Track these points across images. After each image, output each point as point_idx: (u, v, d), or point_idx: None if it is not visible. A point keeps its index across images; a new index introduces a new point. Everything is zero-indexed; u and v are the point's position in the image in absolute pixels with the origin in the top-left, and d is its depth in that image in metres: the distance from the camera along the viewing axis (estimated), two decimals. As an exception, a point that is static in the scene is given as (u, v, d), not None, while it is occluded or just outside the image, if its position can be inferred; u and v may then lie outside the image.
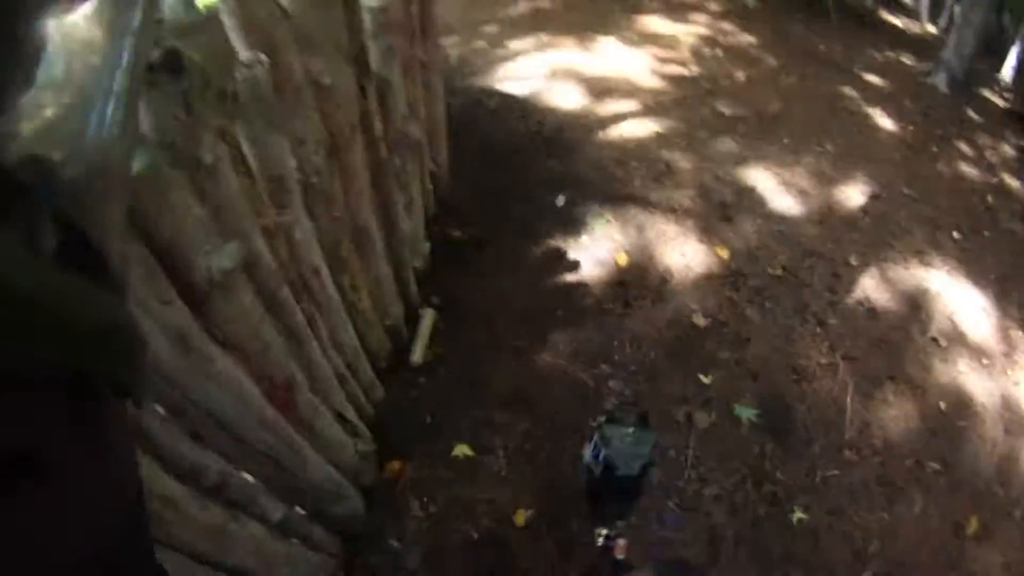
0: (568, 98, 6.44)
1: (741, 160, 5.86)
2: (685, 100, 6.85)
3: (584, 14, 9.41)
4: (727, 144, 6.25)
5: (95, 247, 0.45)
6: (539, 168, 5.16)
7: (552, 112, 6.19)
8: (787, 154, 6.15)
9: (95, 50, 0.46)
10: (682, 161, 5.79)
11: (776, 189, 5.60)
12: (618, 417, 1.88)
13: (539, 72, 6.91)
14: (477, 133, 5.59)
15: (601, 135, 5.98)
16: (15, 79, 0.39)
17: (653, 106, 6.59)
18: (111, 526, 0.48)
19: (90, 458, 0.45)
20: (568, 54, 7.38)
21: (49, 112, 0.42)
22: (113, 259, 0.46)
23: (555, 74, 6.89)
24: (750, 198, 5.40)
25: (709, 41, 8.51)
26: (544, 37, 7.76)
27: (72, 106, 0.44)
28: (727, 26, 9.21)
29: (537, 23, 8.44)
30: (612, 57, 7.53)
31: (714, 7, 10.66)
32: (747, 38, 8.89)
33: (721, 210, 5.16)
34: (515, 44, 7.53)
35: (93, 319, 0.42)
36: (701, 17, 9.62)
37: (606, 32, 8.13)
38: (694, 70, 7.60)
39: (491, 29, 8.55)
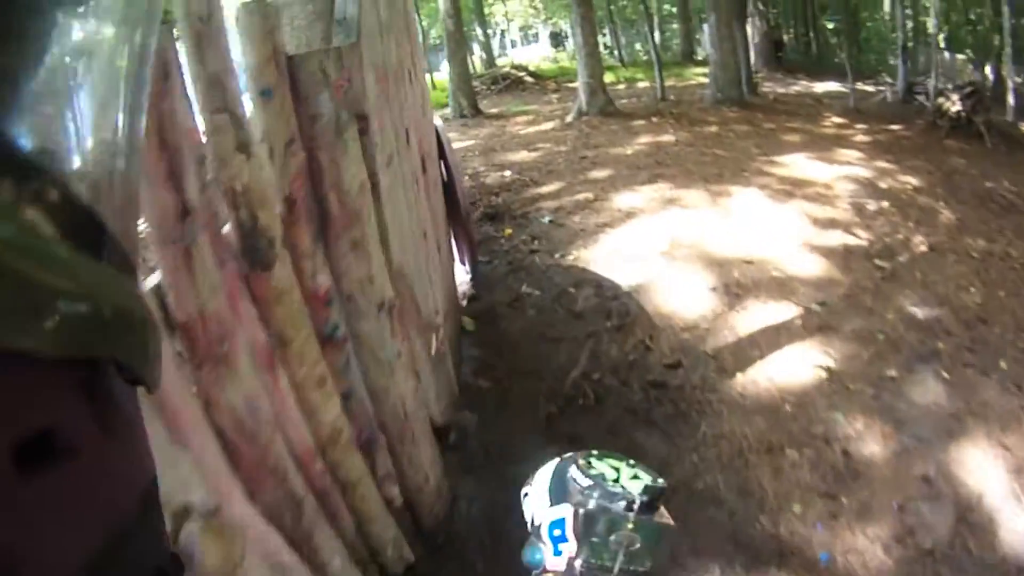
0: (691, 297, 4.89)
1: (953, 426, 3.96)
2: (857, 296, 5.09)
3: (714, 149, 8.28)
4: (929, 388, 4.16)
5: (108, 231, 0.42)
6: (633, 446, 3.57)
7: (666, 322, 4.48)
8: (1010, 396, 4.20)
9: (104, 51, 0.44)
10: (868, 441, 3.79)
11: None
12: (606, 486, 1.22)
13: (655, 247, 5.27)
14: (545, 365, 4.20)
15: (738, 380, 4.11)
16: (21, 71, 0.36)
17: (815, 312, 4.63)
18: (124, 511, 0.46)
19: (104, 442, 0.43)
20: (694, 215, 6.23)
21: (54, 107, 0.40)
22: (125, 245, 0.45)
23: (675, 251, 5.25)
24: (982, 526, 3.38)
25: (868, 187, 7.38)
26: (666, 187, 6.99)
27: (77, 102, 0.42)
28: (882, 163, 8.33)
29: (659, 164, 7.39)
30: (753, 219, 6.24)
31: (860, 137, 9.93)
32: (909, 180, 7.82)
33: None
34: (628, 197, 6.70)
35: (109, 303, 0.40)
36: (850, 152, 8.82)
37: (743, 177, 7.32)
38: (860, 236, 6.08)
39: (602, 174, 7.38)
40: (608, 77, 15.86)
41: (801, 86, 17.71)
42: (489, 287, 5.03)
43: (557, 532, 1.22)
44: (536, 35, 37.87)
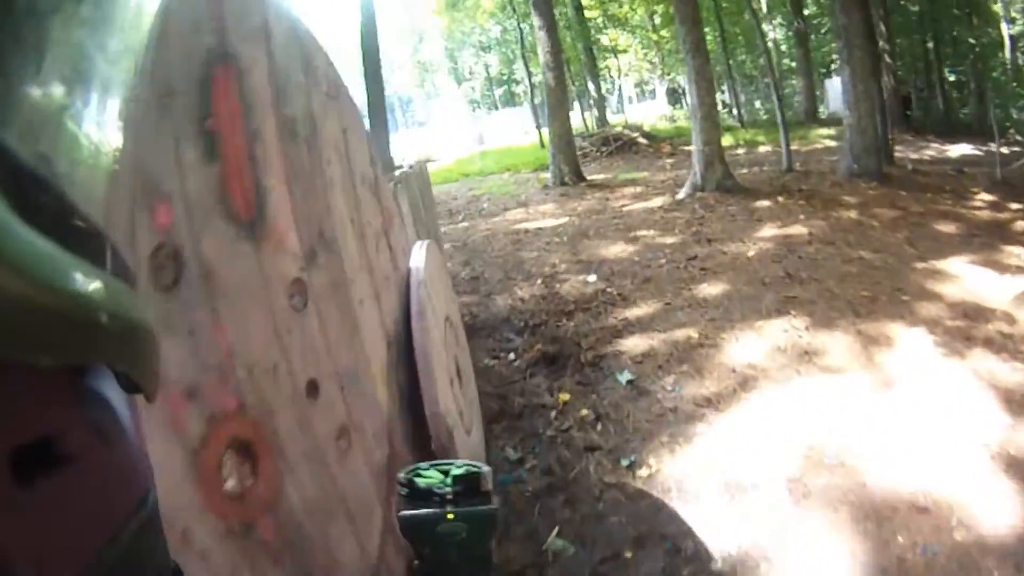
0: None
1: None
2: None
3: (858, 249, 6.49)
4: None
5: (107, 238, 0.42)
6: None
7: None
8: None
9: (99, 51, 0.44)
10: None
11: None
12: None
13: (777, 467, 3.44)
14: None
15: None
16: (15, 75, 0.36)
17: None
18: (122, 519, 0.45)
19: (101, 449, 0.44)
20: (840, 390, 4.29)
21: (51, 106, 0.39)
22: (123, 252, 0.46)
23: (810, 477, 3.44)
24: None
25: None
26: (799, 325, 5.07)
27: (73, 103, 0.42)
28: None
29: (789, 277, 6.09)
30: (923, 398, 4.16)
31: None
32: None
33: None
34: (746, 342, 4.92)
35: (106, 310, 0.39)
36: (1018, 250, 7.10)
37: (901, 304, 5.50)
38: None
39: (714, 290, 5.55)
40: (726, 140, 13.94)
41: (934, 150, 15.42)
42: (504, 526, 3.16)
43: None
44: (653, 91, 36.07)
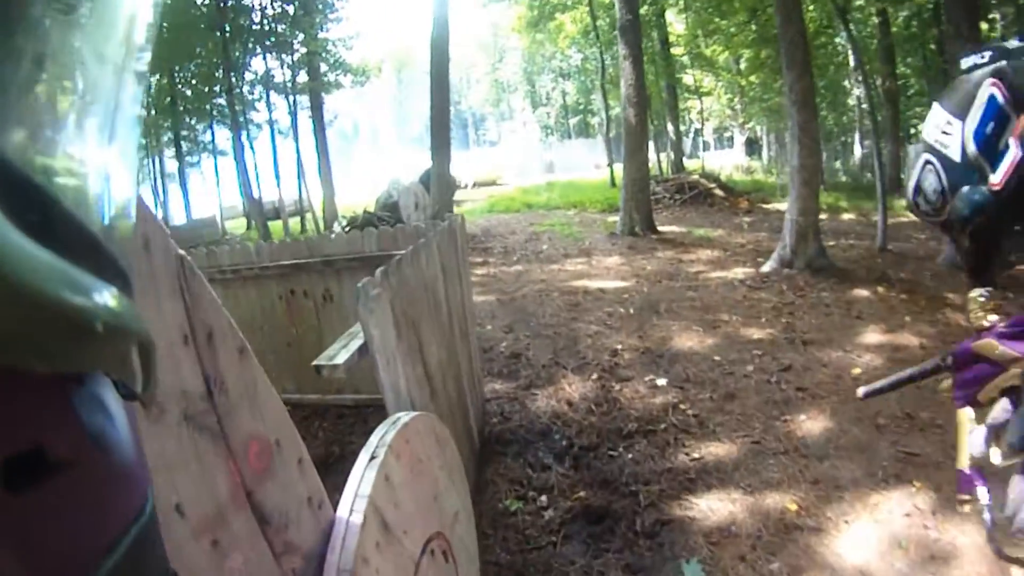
0: None
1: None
2: None
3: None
4: None
5: (99, 241, 0.42)
6: None
7: None
8: None
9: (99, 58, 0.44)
10: None
11: None
12: None
13: None
14: None
15: None
16: (11, 81, 0.36)
17: None
18: (119, 527, 0.44)
19: (97, 457, 0.43)
20: None
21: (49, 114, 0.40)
22: (120, 257, 0.44)
23: None
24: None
25: None
26: (922, 508, 3.62)
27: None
28: None
29: (908, 422, 4.52)
30: None
31: None
32: None
33: None
34: (850, 532, 3.48)
35: (99, 317, 0.38)
36: None
37: None
38: None
39: (816, 426, 4.63)
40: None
41: None
42: None
43: (984, 145, 0.96)
44: (731, 139, 34.14)
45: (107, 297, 0.39)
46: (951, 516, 3.45)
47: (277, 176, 18.60)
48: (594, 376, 5.32)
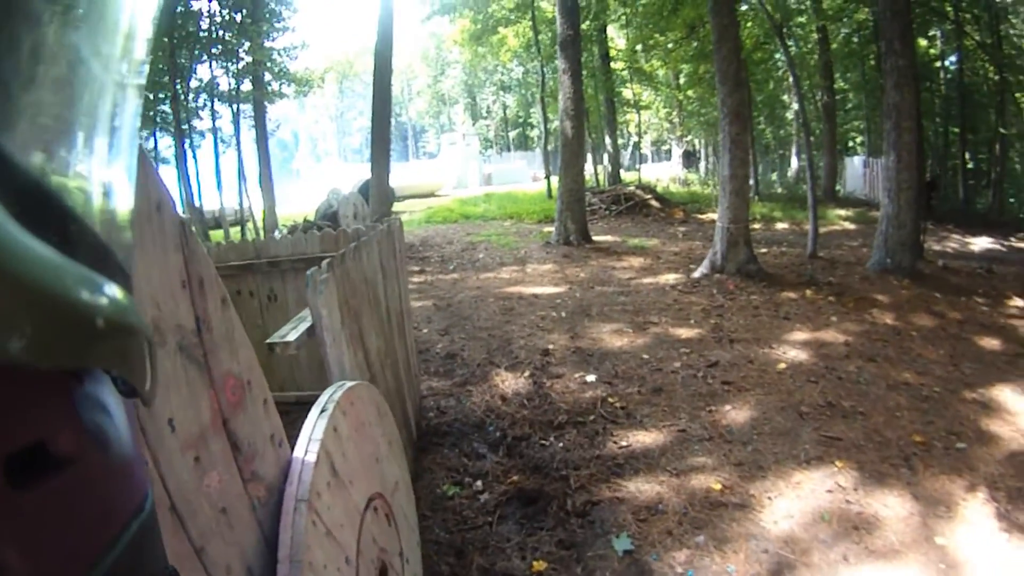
0: None
1: None
2: None
3: (901, 370, 5.78)
4: None
5: (101, 240, 0.43)
6: None
7: None
8: None
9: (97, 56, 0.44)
10: None
11: None
12: None
13: None
14: None
15: None
16: (15, 82, 0.36)
17: None
18: (119, 523, 0.46)
19: (98, 453, 0.44)
20: None
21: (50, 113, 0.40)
22: (119, 253, 0.45)
23: None
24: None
25: None
26: (845, 482, 4.00)
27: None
28: None
29: (829, 407, 4.93)
30: None
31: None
32: None
33: None
34: (783, 504, 3.82)
35: (100, 314, 0.39)
36: None
37: (957, 455, 4.39)
38: None
39: (740, 415, 5.52)
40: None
41: (956, 242, 14.23)
42: None
43: None
44: (669, 151, 35.15)
45: (108, 293, 0.40)
46: (872, 490, 3.80)
47: (219, 184, 18.29)
48: (527, 374, 5.57)
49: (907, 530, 3.48)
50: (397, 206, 21.96)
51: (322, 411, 1.68)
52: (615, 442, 4.41)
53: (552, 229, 13.15)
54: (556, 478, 3.97)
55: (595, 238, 12.88)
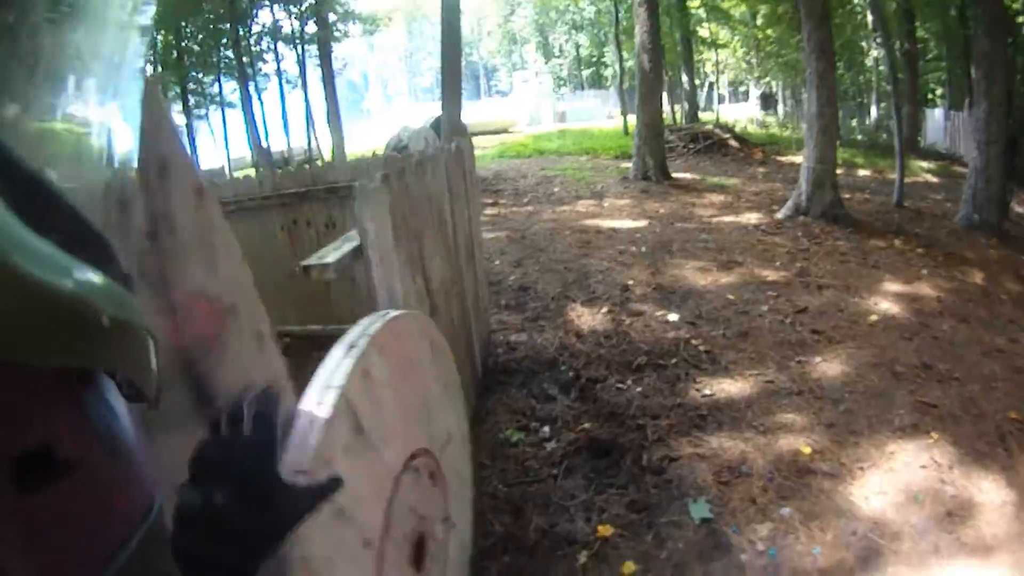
0: None
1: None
2: None
3: (992, 334, 5.05)
4: None
5: (108, 242, 0.41)
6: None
7: None
8: None
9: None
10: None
11: None
12: None
13: None
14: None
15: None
16: (14, 75, 0.36)
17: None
18: (127, 530, 0.43)
19: (104, 457, 0.41)
20: None
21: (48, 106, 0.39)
22: (119, 253, 0.43)
23: None
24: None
25: None
26: (939, 462, 3.41)
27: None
28: None
29: (924, 372, 4.27)
30: None
31: None
32: None
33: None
34: (866, 480, 3.26)
35: (107, 313, 0.36)
36: None
37: None
38: None
39: (832, 369, 4.37)
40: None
41: None
42: None
43: None
44: (746, 93, 33.00)
45: (112, 291, 0.37)
46: (969, 471, 3.23)
47: (286, 126, 18.08)
48: (604, 310, 5.08)
49: (1001, 522, 2.92)
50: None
51: (350, 348, 1.22)
52: (698, 390, 3.91)
53: (629, 165, 12.41)
54: (632, 427, 3.51)
55: (674, 175, 12.09)
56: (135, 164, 0.49)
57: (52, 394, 0.37)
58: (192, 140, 23.37)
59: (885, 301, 5.40)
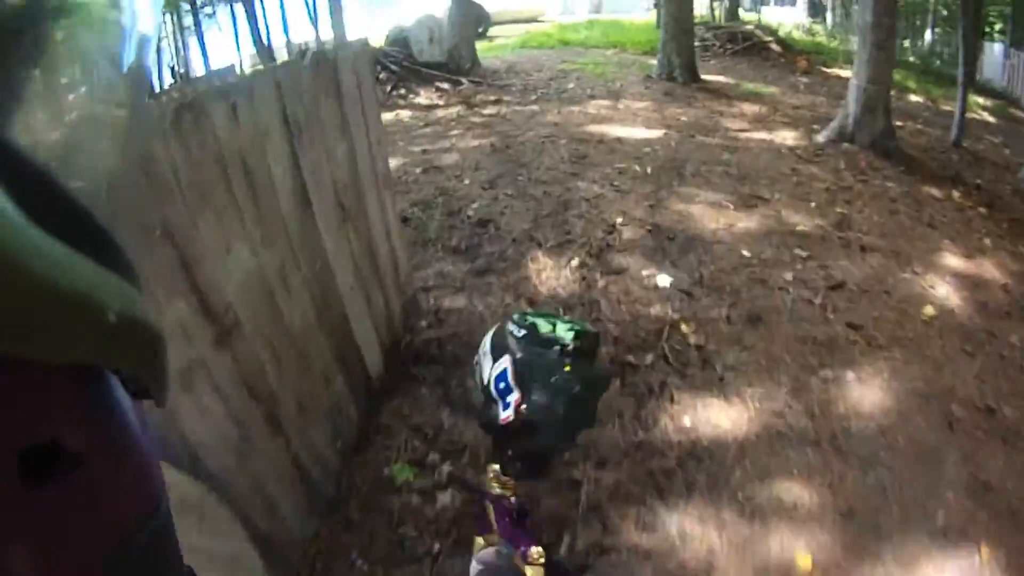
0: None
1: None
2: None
3: None
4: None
5: (109, 235, 0.36)
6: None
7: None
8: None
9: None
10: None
11: None
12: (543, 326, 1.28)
13: None
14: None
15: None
16: (15, 68, 0.32)
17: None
18: (133, 527, 0.39)
19: (110, 454, 0.38)
20: None
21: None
22: (126, 246, 0.38)
23: None
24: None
25: None
26: None
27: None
28: None
29: (985, 418, 2.85)
30: None
31: None
32: None
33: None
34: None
35: (114, 309, 0.34)
36: None
37: None
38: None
39: (861, 399, 2.94)
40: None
41: None
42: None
43: (502, 385, 1.19)
44: None
45: (118, 287, 0.34)
46: None
47: (284, 19, 15.61)
48: (575, 262, 3.70)
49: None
50: (493, 31, 19.16)
51: None
52: (673, 417, 2.59)
53: (653, 64, 10.54)
54: (565, 481, 2.25)
55: (704, 76, 10.20)
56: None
57: (60, 389, 0.33)
58: (201, 39, 21.54)
59: (943, 283, 3.89)
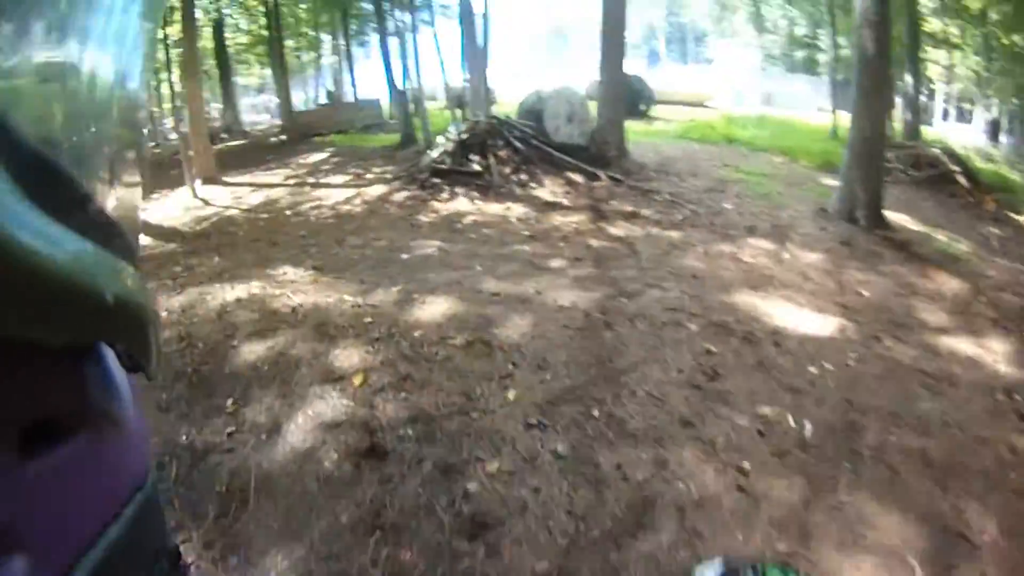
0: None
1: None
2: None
3: None
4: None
5: (109, 217, 0.39)
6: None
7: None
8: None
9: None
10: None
11: None
12: None
13: None
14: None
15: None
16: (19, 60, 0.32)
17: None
18: (124, 495, 0.42)
19: (104, 427, 0.41)
20: None
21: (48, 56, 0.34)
22: (123, 227, 0.41)
23: None
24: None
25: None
26: None
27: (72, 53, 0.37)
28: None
29: None
30: None
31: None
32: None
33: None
34: None
35: (112, 290, 0.36)
36: None
37: None
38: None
39: None
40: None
41: None
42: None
43: None
44: (970, 113, 24.19)
45: (117, 269, 0.35)
46: None
47: (415, 66, 13.88)
48: None
49: None
50: (655, 110, 17.08)
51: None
52: None
53: (832, 182, 8.15)
54: None
55: (886, 213, 7.56)
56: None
57: (57, 366, 0.34)
58: (350, 67, 21.01)
59: None
